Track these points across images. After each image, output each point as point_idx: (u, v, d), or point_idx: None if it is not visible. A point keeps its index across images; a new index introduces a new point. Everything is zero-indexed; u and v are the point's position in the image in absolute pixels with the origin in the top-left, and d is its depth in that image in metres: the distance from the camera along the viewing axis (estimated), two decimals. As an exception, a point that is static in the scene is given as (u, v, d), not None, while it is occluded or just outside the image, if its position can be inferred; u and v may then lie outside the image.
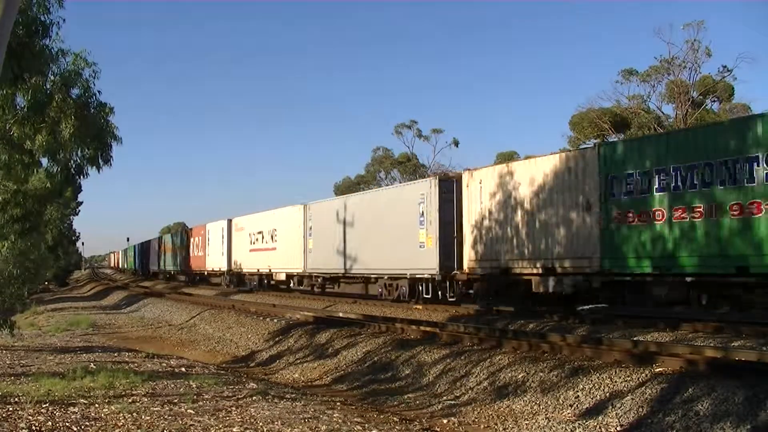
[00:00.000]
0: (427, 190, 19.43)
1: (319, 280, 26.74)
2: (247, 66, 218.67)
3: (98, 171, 11.06)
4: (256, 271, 32.59)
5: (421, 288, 19.69)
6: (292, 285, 29.81)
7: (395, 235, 20.53)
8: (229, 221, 36.90)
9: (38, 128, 10.01)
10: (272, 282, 31.93)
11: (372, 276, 22.51)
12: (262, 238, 32.15)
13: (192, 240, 44.05)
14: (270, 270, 31.14)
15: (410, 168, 55.59)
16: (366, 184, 55.09)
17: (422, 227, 19.34)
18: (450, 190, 18.87)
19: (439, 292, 19.01)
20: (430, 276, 18.99)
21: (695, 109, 38.39)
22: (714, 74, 38.79)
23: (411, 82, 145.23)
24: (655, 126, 38.22)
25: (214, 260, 38.97)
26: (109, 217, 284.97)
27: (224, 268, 36.83)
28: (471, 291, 18.14)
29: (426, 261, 19.03)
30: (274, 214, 31.40)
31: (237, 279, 35.57)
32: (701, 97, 39.22)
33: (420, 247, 19.33)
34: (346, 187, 56.14)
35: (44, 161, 11.17)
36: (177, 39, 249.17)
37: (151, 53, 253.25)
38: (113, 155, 11.17)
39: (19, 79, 9.16)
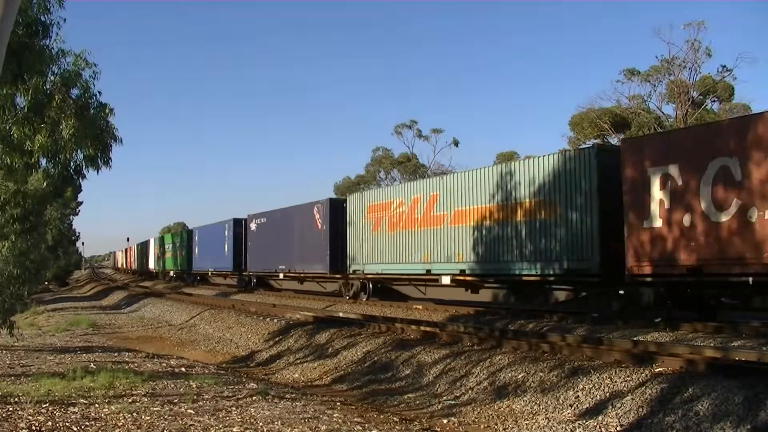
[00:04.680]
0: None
1: None
2: (247, 66, 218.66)
3: (97, 172, 11.04)
4: None
5: None
6: None
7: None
8: None
9: (38, 129, 10.00)
10: None
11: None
12: None
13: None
14: None
15: (410, 168, 55.60)
16: (366, 184, 55.10)
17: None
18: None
19: None
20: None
21: (695, 109, 38.41)
22: (714, 74, 38.89)
23: (411, 82, 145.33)
24: (656, 126, 38.23)
25: None
26: (109, 217, 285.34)
27: None
28: None
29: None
30: None
31: None
32: (701, 97, 39.25)
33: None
34: (346, 187, 56.15)
35: (43, 162, 11.16)
36: (177, 38, 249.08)
37: (151, 53, 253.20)
38: (112, 156, 11.15)
39: (19, 79, 9.15)
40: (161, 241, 53.54)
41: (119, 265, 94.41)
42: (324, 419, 7.11)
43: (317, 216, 26.59)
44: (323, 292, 27.25)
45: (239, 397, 8.17)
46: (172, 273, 48.30)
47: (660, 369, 8.45)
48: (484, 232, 17.68)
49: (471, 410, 8.75)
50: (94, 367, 10.01)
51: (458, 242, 18.59)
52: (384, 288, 23.01)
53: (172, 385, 8.78)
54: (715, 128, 13.33)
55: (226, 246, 36.31)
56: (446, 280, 18.88)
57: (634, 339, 11.39)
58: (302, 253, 27.53)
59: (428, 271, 19.69)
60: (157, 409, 7.04)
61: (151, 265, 57.04)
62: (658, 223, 13.04)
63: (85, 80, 10.52)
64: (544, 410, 8.25)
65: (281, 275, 29.85)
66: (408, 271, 20.87)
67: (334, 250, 25.07)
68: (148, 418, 6.57)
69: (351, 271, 23.79)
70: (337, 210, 25.50)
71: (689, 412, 7.07)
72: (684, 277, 12.65)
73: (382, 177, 57.67)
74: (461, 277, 18.57)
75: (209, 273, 40.07)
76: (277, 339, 15.88)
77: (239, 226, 35.06)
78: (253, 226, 33.15)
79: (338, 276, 24.99)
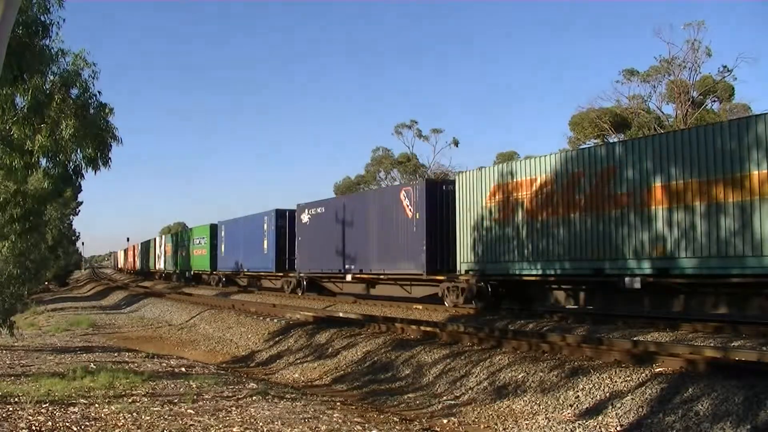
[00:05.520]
0: None
1: None
2: (246, 66, 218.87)
3: (95, 173, 11.05)
4: None
5: None
6: None
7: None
8: None
9: (38, 129, 10.01)
10: None
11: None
12: None
13: None
14: None
15: (410, 168, 55.61)
16: (366, 184, 55.11)
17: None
18: None
19: None
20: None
21: (695, 109, 38.42)
22: (714, 74, 38.93)
23: (411, 82, 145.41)
24: (656, 126, 38.24)
25: None
26: (109, 217, 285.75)
27: None
28: None
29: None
30: None
31: None
32: (701, 97, 39.27)
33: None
34: (346, 187, 56.19)
35: (43, 162, 11.17)
36: (178, 38, 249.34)
37: (152, 53, 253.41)
38: (112, 156, 11.14)
39: (19, 79, 9.17)
40: (173, 239, 48.82)
41: (120, 266, 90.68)
42: (324, 419, 7.11)
43: (406, 202, 20.79)
44: (409, 297, 21.32)
45: (239, 397, 8.16)
46: (187, 274, 43.62)
47: (660, 369, 8.45)
48: (701, 213, 12.73)
49: (471, 410, 8.75)
50: (94, 367, 10.01)
51: (657, 230, 13.49)
52: (512, 293, 17.65)
53: (172, 385, 8.78)
54: None
55: (266, 242, 30.52)
56: (635, 283, 13.80)
57: (634, 339, 11.39)
58: (383, 250, 21.79)
59: (598, 271, 14.66)
60: (157, 409, 7.04)
61: (160, 265, 51.85)
62: None
63: (84, 80, 10.55)
64: (544, 410, 8.25)
65: (349, 277, 23.77)
66: (562, 272, 15.53)
67: (432, 245, 19.64)
68: (148, 418, 6.57)
69: (462, 271, 18.22)
70: (435, 194, 20.07)
71: (689, 412, 7.07)
72: None
73: (382, 177, 57.71)
74: (663, 278, 13.48)
75: (241, 274, 34.94)
76: (277, 339, 15.89)
77: (283, 218, 29.47)
78: (304, 217, 27.21)
79: (439, 278, 19.43)
